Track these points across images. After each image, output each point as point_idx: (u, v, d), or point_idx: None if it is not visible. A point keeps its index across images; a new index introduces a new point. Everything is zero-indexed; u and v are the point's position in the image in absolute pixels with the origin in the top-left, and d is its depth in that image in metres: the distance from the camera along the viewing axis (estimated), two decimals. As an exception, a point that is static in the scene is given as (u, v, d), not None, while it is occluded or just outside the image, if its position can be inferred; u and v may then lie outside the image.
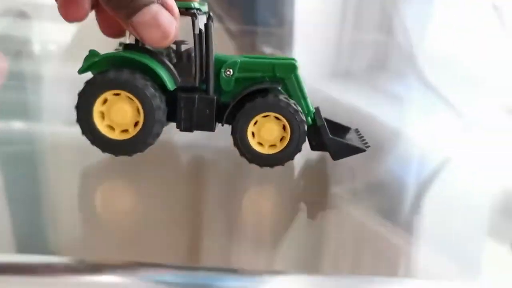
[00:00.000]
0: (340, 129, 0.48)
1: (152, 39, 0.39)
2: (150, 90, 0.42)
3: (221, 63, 0.44)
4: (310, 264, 0.33)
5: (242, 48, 0.80)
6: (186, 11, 0.42)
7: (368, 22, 0.80)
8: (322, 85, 0.70)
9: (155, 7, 0.38)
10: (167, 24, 0.38)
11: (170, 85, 0.43)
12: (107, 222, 0.38)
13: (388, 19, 0.82)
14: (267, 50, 0.76)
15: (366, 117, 0.60)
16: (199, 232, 0.38)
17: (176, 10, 0.40)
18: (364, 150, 0.44)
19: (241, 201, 0.42)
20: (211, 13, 0.45)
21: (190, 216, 0.39)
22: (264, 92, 0.44)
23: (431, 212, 0.42)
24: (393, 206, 0.42)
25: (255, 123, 0.43)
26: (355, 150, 0.44)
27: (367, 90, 0.70)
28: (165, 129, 0.44)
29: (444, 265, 0.33)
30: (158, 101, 0.42)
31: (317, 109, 0.46)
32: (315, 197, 0.43)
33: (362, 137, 0.47)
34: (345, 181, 0.47)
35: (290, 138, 0.43)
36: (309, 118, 0.45)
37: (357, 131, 0.48)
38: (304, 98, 0.45)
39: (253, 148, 0.44)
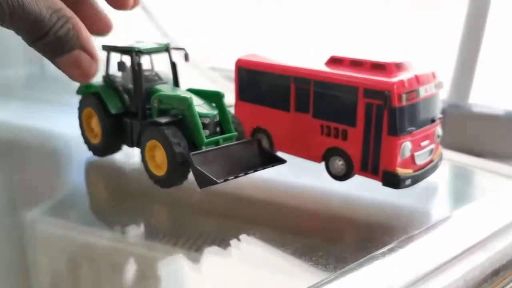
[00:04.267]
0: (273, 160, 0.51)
1: (74, 77, 0.45)
2: (97, 109, 0.55)
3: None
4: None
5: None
6: (127, 52, 0.53)
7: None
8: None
9: (76, 52, 0.43)
10: (86, 65, 0.44)
11: (112, 110, 0.55)
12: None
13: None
14: None
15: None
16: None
17: (95, 54, 0.45)
18: (215, 183, 0.45)
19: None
20: (169, 47, 0.55)
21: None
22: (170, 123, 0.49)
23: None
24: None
25: (155, 147, 0.49)
26: (211, 182, 0.45)
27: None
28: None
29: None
30: (104, 117, 0.55)
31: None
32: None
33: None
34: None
35: (167, 163, 0.48)
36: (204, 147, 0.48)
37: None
38: (198, 130, 0.49)
39: (149, 167, 0.51)
